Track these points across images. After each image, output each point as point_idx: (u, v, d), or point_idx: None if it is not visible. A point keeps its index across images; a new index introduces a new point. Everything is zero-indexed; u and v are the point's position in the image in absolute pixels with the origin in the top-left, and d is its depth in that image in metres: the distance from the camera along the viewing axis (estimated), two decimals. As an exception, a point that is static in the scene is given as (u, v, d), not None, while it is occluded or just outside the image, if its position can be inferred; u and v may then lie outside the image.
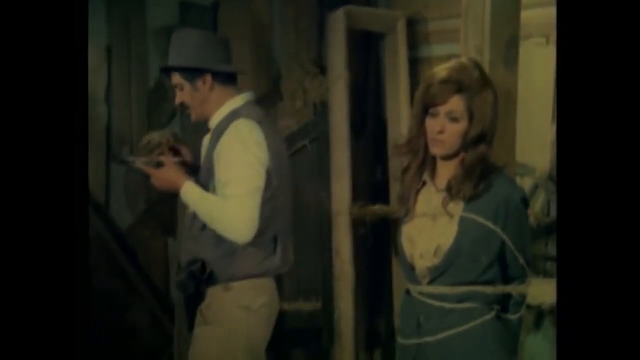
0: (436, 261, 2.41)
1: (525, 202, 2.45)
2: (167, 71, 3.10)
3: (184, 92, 3.03)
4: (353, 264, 4.23)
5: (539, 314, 3.77)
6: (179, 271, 3.05)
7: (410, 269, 2.48)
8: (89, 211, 4.02)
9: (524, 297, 2.49)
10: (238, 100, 3.04)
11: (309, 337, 4.42)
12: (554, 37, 3.75)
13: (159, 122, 4.46)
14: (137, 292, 4.22)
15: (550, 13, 3.04)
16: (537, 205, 3.90)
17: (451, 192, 2.40)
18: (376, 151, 4.61)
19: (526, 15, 3.29)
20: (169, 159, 3.02)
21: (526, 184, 3.85)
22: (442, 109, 2.38)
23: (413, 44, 4.46)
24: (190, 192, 2.94)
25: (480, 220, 2.38)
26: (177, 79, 3.03)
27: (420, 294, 2.45)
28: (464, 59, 2.53)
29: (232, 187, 2.88)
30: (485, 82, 2.41)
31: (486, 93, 2.39)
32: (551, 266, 3.82)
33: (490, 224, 2.37)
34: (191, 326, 3.06)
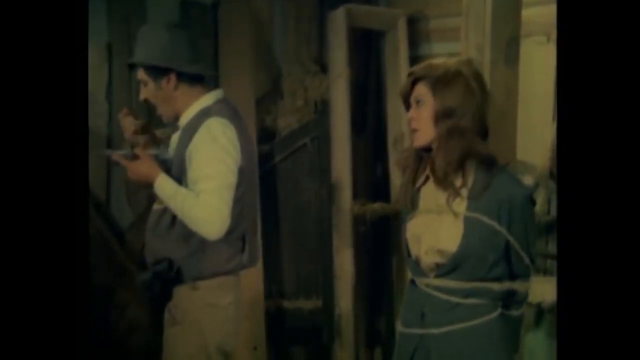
0: (443, 260, 2.41)
1: (532, 200, 2.45)
2: (133, 66, 3.08)
3: (147, 89, 3.02)
4: (353, 262, 4.23)
5: (539, 312, 3.77)
6: (143, 270, 3.03)
7: (415, 263, 2.48)
8: (89, 209, 4.02)
9: (526, 294, 2.50)
10: (208, 99, 3.02)
11: (309, 335, 4.42)
12: (554, 35, 3.74)
13: (159, 120, 4.46)
14: (137, 289, 4.22)
15: (550, 11, 3.04)
16: (538, 203, 3.90)
17: (444, 182, 2.41)
18: (376, 149, 4.61)
19: (527, 14, 3.29)
20: (143, 152, 2.99)
21: (526, 182, 3.85)
22: (412, 98, 2.45)
23: (413, 42, 4.46)
24: (164, 185, 2.92)
25: (485, 220, 2.37)
26: (141, 74, 3.02)
27: (427, 285, 2.46)
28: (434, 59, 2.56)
29: (204, 182, 2.87)
30: (454, 67, 2.42)
31: (451, 74, 2.40)
32: (551, 264, 3.82)
33: (495, 224, 2.37)
34: (158, 325, 3.05)
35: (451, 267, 2.40)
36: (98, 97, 4.22)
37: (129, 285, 4.08)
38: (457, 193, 2.40)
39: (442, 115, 2.39)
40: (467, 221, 2.39)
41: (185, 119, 3.01)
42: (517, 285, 2.46)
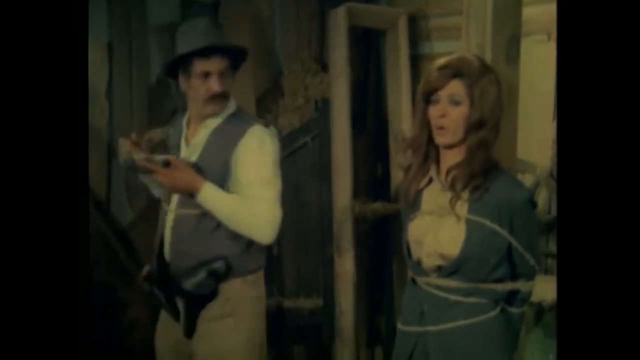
0: (444, 263, 2.41)
1: (532, 202, 2.45)
2: (174, 65, 2.97)
3: (224, 79, 2.96)
4: (354, 260, 4.23)
5: (539, 311, 3.76)
6: (190, 273, 2.99)
7: (417, 264, 2.48)
8: (90, 207, 4.02)
9: (529, 293, 2.50)
10: (232, 106, 3.05)
11: (309, 334, 4.42)
12: (555, 34, 3.74)
13: (159, 119, 4.46)
14: (137, 288, 4.22)
15: (551, 10, 3.03)
16: (538, 202, 3.89)
17: (454, 184, 2.39)
18: (377, 148, 4.61)
19: (527, 12, 3.29)
20: (178, 159, 2.94)
21: (527, 180, 3.84)
22: (443, 93, 2.38)
23: (414, 40, 4.46)
24: (211, 194, 2.90)
25: (487, 223, 2.37)
26: (214, 64, 2.90)
27: (428, 284, 2.45)
28: (464, 53, 2.53)
29: (258, 189, 2.92)
30: (486, 71, 2.40)
31: (486, 81, 2.37)
32: (552, 263, 3.81)
33: (496, 226, 2.37)
34: (191, 321, 3.06)
35: (453, 269, 2.40)
36: (98, 95, 4.22)
37: (130, 283, 4.08)
38: (458, 196, 2.40)
39: (475, 126, 2.37)
40: (469, 224, 2.38)
41: (214, 121, 3.01)
42: (521, 285, 2.46)
